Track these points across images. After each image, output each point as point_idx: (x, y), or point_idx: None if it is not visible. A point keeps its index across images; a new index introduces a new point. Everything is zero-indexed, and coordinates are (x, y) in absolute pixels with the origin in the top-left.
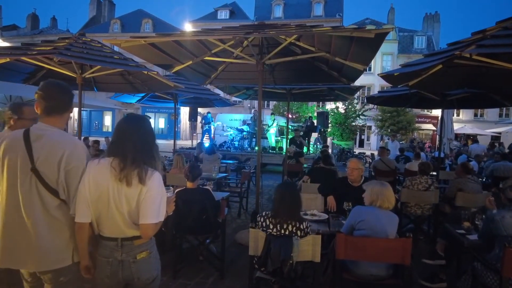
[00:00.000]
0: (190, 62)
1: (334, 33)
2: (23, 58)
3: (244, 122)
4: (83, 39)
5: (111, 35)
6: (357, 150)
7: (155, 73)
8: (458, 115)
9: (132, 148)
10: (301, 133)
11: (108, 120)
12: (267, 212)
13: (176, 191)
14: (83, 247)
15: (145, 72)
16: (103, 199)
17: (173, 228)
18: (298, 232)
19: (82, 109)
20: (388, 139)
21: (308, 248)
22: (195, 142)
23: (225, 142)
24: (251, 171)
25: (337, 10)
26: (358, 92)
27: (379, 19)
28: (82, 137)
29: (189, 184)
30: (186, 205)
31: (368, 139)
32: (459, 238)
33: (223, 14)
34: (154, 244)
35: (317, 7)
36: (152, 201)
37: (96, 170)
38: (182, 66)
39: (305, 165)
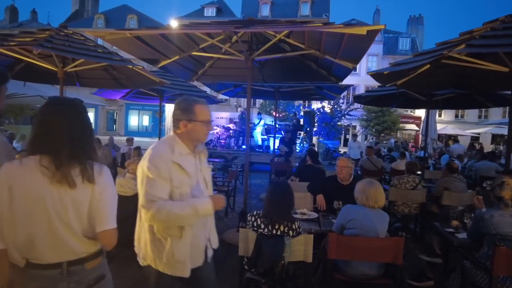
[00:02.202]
0: (177, 57)
1: (326, 30)
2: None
3: (231, 121)
4: (65, 31)
5: (95, 30)
6: (342, 150)
7: (140, 67)
8: (440, 115)
9: (68, 139)
10: (286, 139)
11: (90, 117)
12: (258, 212)
13: None
14: (3, 278)
15: (130, 67)
16: (38, 213)
17: None
18: (290, 232)
19: None
20: (354, 137)
21: (300, 248)
22: None
23: (211, 140)
24: (238, 169)
25: (324, 10)
26: (344, 92)
27: (365, 20)
28: None
29: None
30: None
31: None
32: (448, 237)
33: (210, 12)
34: (106, 264)
35: (304, 7)
36: (109, 201)
37: (20, 175)
38: (169, 61)
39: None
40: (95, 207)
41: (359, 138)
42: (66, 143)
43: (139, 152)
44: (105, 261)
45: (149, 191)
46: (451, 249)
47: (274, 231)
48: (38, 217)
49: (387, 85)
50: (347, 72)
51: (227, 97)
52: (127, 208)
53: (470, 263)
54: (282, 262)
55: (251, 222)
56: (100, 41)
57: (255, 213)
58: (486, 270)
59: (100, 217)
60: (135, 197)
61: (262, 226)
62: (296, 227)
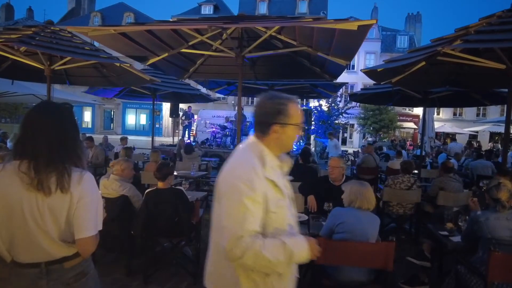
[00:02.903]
0: (166, 54)
1: (316, 25)
2: None
3: (226, 119)
4: (52, 28)
5: (77, 27)
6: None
7: (128, 65)
8: (438, 114)
9: (47, 144)
10: None
11: (88, 116)
12: None
13: (146, 191)
14: None
15: (118, 64)
16: (15, 217)
17: (143, 231)
18: None
19: None
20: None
21: None
22: (176, 139)
23: (207, 139)
24: None
25: (321, 8)
26: (341, 90)
27: (362, 18)
28: None
29: (160, 184)
30: (157, 206)
31: (350, 137)
32: (442, 240)
33: (207, 9)
34: (90, 261)
35: (301, 4)
36: (88, 209)
37: (0, 179)
38: (158, 58)
39: None
40: (73, 214)
41: (356, 135)
42: (44, 148)
43: (127, 152)
44: (89, 259)
45: (238, 223)
46: (445, 252)
47: None
48: (16, 221)
49: (381, 83)
50: (341, 69)
51: (223, 95)
52: (112, 210)
53: (464, 268)
54: None
55: None
56: (95, 41)
57: None
58: (481, 276)
59: (77, 224)
60: (119, 199)
61: None
62: None
